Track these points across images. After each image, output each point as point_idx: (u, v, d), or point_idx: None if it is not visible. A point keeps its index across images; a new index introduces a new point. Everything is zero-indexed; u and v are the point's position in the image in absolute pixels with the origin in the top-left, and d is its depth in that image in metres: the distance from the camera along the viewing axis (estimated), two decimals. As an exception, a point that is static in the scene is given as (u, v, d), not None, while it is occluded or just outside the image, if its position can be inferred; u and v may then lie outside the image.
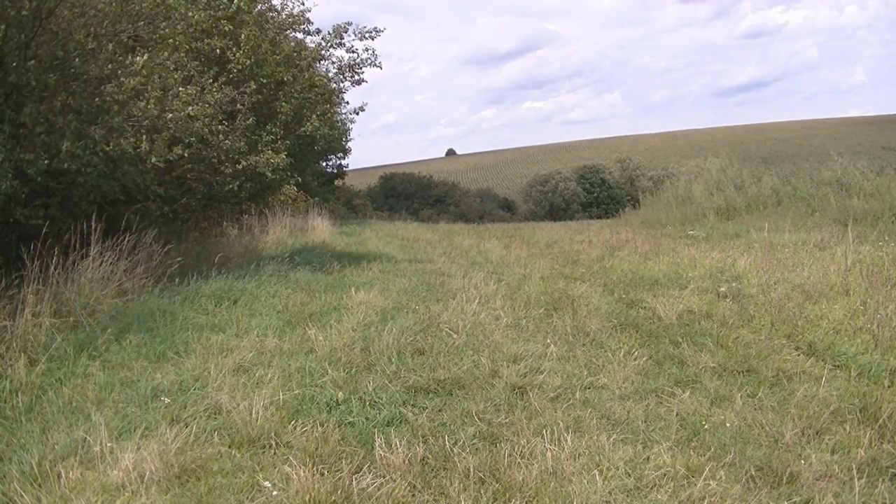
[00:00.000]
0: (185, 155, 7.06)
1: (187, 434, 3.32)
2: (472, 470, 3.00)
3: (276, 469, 3.06)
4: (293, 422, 3.55)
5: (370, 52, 12.97)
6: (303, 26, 11.72)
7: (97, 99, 6.31)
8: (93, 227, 5.90)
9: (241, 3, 9.22)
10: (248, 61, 9.14)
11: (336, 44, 12.37)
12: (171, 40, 7.25)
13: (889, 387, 3.88)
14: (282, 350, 4.88)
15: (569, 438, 3.26)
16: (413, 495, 2.87)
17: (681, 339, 5.01)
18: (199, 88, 7.84)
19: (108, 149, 6.15)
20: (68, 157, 5.86)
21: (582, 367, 4.48)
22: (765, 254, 8.09)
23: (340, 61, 13.03)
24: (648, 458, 3.15)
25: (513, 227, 22.78)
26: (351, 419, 3.65)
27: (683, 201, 17.50)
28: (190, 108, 7.08)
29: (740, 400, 3.83)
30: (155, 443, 3.16)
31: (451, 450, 3.21)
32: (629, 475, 3.00)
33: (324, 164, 29.84)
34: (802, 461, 3.09)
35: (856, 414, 3.60)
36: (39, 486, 2.91)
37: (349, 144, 29.40)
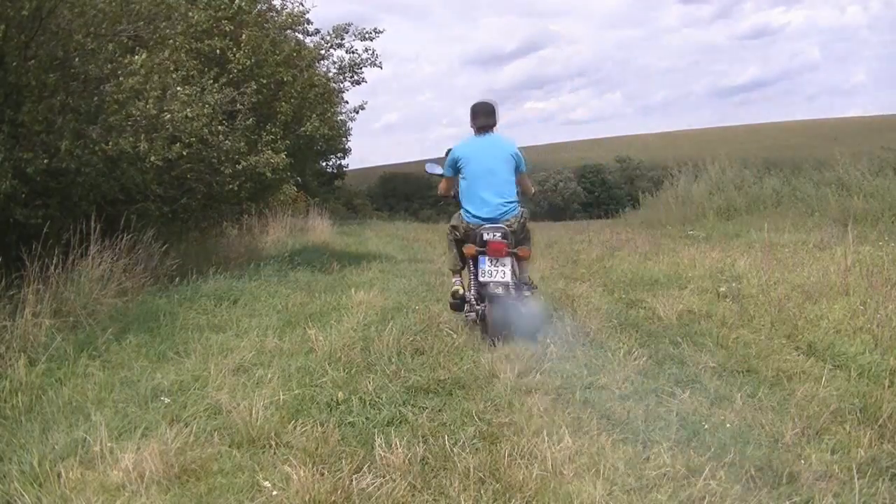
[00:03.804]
0: (185, 154, 7.06)
1: (187, 434, 3.32)
2: (472, 470, 3.00)
3: (276, 469, 3.06)
4: (293, 422, 3.54)
5: (370, 52, 12.99)
6: (302, 27, 11.73)
7: (96, 98, 6.32)
8: (92, 226, 5.90)
9: (242, 3, 9.23)
10: (249, 62, 9.14)
11: (336, 44, 12.38)
12: (171, 41, 7.25)
13: (889, 387, 3.88)
14: (282, 350, 4.88)
15: (569, 438, 3.26)
16: (413, 495, 2.87)
17: (681, 339, 5.00)
18: (199, 89, 7.85)
19: (106, 148, 6.15)
20: (67, 157, 5.86)
21: (582, 367, 4.47)
22: (765, 254, 8.08)
23: (341, 62, 13.04)
24: (648, 458, 3.14)
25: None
26: (351, 419, 3.65)
27: (683, 201, 17.46)
28: (188, 109, 7.08)
29: (740, 400, 3.82)
30: (155, 443, 3.16)
31: (451, 450, 3.21)
32: (629, 475, 2.99)
33: (324, 164, 29.87)
34: (802, 461, 3.09)
35: (856, 414, 3.59)
36: (39, 486, 2.90)
37: (349, 144, 29.46)
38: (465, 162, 5.09)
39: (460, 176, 5.17)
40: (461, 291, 5.27)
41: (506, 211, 5.02)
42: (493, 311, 4.80)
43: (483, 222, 4.99)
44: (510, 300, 4.80)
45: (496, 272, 4.81)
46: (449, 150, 5.37)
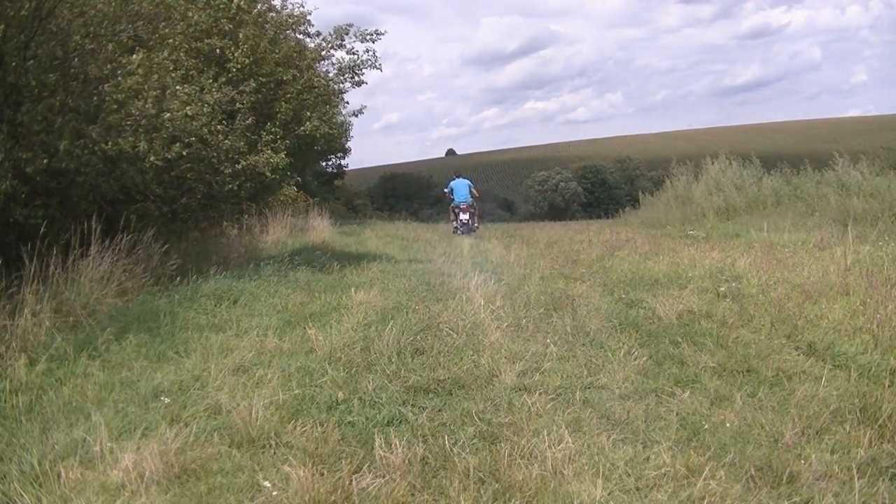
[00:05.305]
0: (185, 154, 7.05)
1: (187, 434, 3.32)
2: (472, 470, 3.00)
3: (276, 469, 3.06)
4: (293, 422, 3.54)
5: (370, 53, 12.99)
6: (303, 27, 11.73)
7: (95, 98, 6.31)
8: (92, 226, 5.89)
9: (241, 3, 9.22)
10: (247, 60, 9.13)
11: (336, 45, 12.38)
12: (170, 40, 7.25)
13: (889, 387, 3.88)
14: (282, 350, 4.88)
15: (569, 438, 3.26)
16: (413, 495, 2.87)
17: (681, 339, 5.01)
18: (198, 88, 7.84)
19: (106, 148, 6.14)
20: (67, 157, 5.85)
21: (582, 367, 4.48)
22: (765, 254, 8.08)
23: (341, 63, 13.03)
24: (648, 458, 3.15)
25: (513, 227, 22.78)
26: (351, 419, 3.65)
27: (683, 201, 17.50)
28: (188, 108, 7.08)
29: (740, 400, 3.82)
30: (155, 443, 3.16)
31: (451, 450, 3.21)
32: (629, 475, 3.00)
33: (324, 164, 29.89)
34: (802, 461, 3.09)
35: (856, 414, 3.60)
36: (39, 485, 2.91)
37: (349, 144, 29.47)
38: (454, 187, 17.86)
39: (451, 191, 17.91)
40: (455, 225, 17.42)
41: (465, 199, 17.52)
42: (462, 229, 17.11)
43: (460, 203, 17.57)
44: (468, 227, 17.19)
45: (465, 216, 17.33)
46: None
